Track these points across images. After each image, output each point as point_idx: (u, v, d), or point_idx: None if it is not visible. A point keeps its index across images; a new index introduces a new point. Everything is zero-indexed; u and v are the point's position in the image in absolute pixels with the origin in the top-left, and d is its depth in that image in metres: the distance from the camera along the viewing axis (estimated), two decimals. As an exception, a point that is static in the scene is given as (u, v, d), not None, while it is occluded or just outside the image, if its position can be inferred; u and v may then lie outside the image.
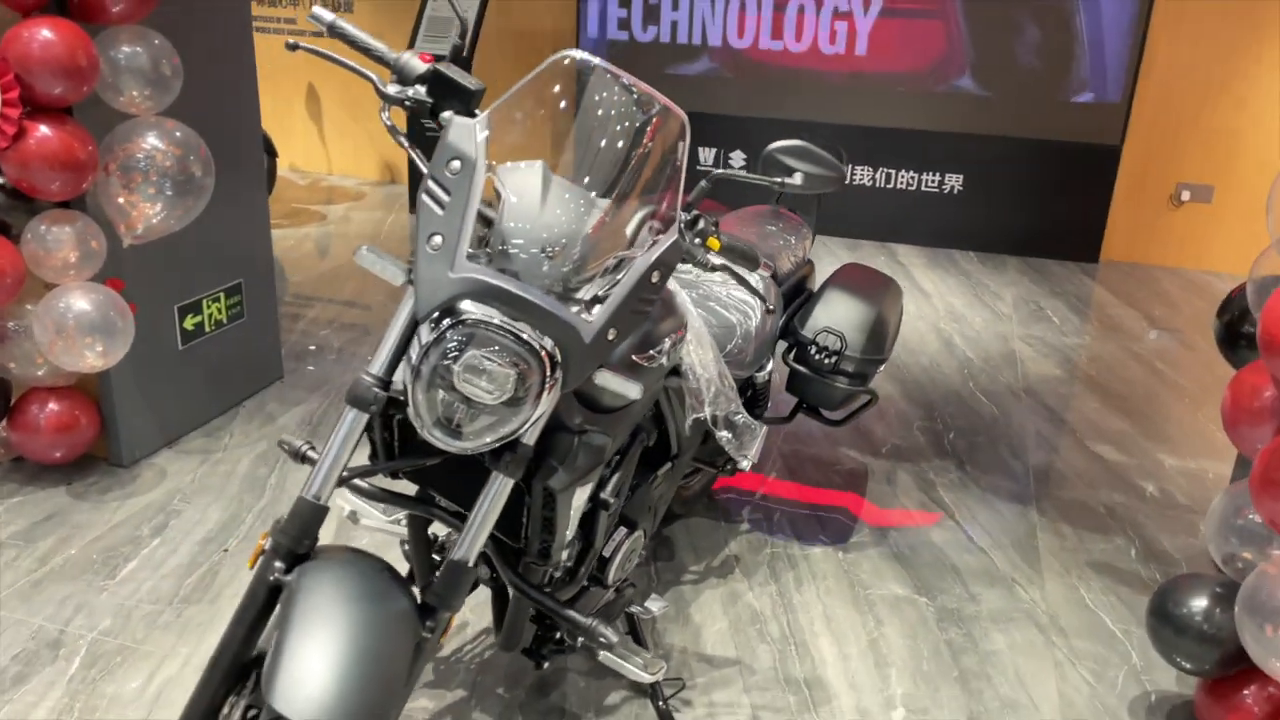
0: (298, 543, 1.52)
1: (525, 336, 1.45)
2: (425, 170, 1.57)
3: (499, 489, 1.59)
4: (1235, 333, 2.33)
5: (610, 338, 1.53)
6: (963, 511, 3.13)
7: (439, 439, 1.50)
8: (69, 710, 2.14)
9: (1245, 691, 2.11)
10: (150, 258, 3.05)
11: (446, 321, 1.45)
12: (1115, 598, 2.73)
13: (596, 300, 1.53)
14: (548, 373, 1.47)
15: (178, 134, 2.84)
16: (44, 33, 2.52)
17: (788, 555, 2.84)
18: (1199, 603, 2.13)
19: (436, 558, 2.02)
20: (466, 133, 1.49)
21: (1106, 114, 5.77)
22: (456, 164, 1.47)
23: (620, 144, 1.59)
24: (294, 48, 1.61)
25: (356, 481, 1.66)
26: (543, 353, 1.46)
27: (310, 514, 1.53)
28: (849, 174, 6.01)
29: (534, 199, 1.51)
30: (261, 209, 3.61)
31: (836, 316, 2.61)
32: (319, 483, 1.54)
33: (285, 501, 2.97)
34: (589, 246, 1.53)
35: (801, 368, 2.65)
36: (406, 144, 1.62)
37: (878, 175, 6.16)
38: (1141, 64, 5.69)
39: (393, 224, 6.13)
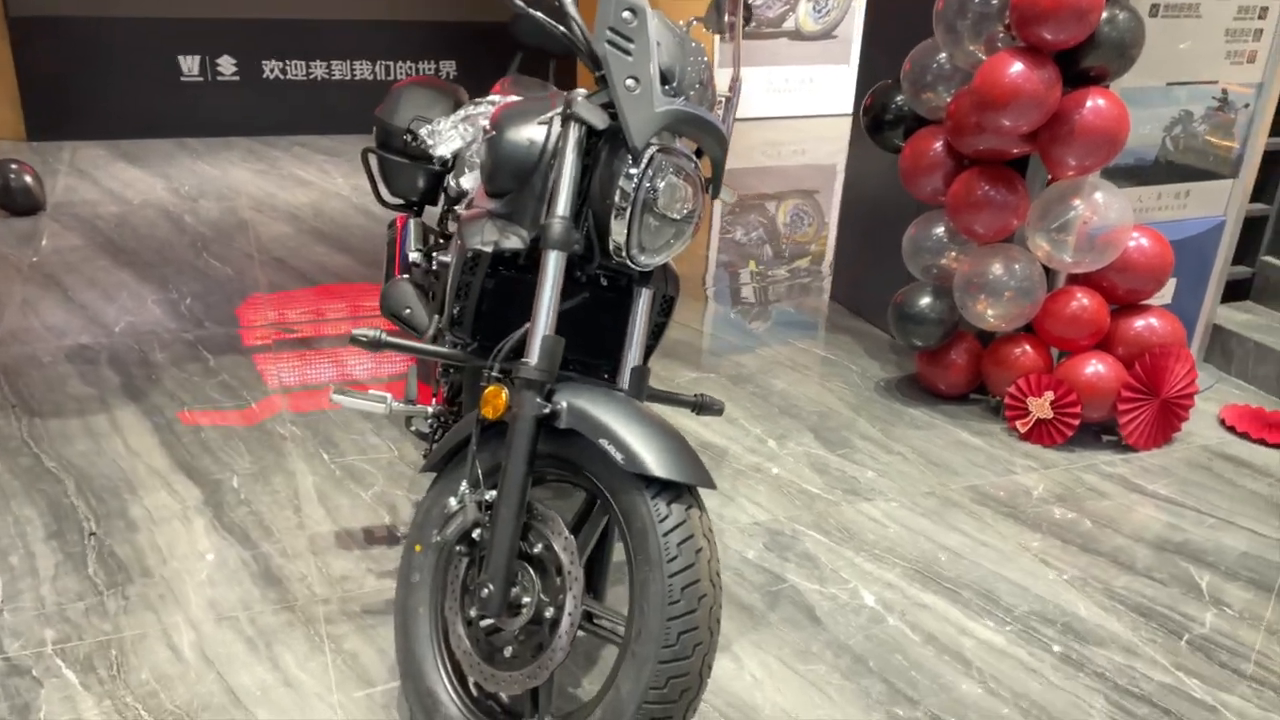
0: (549, 375, 1.70)
1: (692, 158, 1.79)
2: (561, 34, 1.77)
3: (645, 300, 1.91)
4: (880, 121, 3.34)
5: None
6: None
7: (639, 257, 1.78)
8: (123, 705, 1.88)
9: (952, 353, 3.21)
10: None
11: (646, 156, 1.72)
12: (811, 341, 3.73)
13: None
14: (704, 186, 1.83)
15: None
16: None
17: (597, 377, 3.33)
18: (924, 300, 3.15)
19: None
20: None
21: None
22: (628, 14, 1.70)
23: None
24: None
25: None
26: (700, 170, 1.81)
27: (554, 345, 1.71)
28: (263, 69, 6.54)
29: (673, 44, 1.80)
30: None
31: None
32: (545, 322, 1.72)
33: (97, 474, 2.61)
34: (709, 83, 1.88)
35: None
36: (523, 6, 1.77)
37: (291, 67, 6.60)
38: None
39: None
